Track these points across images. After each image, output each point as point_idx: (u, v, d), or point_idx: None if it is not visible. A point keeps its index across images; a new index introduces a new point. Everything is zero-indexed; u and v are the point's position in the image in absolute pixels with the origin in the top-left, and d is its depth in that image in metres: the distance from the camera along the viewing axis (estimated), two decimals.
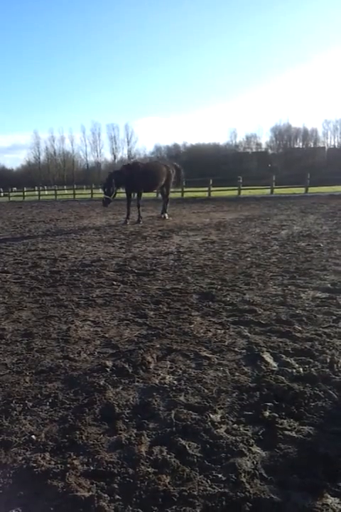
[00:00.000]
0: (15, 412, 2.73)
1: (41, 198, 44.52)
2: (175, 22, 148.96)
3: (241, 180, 31.86)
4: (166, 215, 15.86)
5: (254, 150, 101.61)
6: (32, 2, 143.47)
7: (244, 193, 31.44)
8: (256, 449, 2.26)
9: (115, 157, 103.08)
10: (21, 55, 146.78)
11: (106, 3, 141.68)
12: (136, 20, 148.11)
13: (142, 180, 14.56)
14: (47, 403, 2.84)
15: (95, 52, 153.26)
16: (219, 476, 2.07)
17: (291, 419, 2.52)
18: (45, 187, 64.33)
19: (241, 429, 2.45)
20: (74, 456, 2.24)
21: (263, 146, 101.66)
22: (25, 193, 47.75)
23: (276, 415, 2.56)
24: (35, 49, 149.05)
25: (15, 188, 57.95)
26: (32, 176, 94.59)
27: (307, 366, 3.22)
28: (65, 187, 61.53)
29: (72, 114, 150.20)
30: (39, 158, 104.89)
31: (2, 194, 54.19)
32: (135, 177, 14.41)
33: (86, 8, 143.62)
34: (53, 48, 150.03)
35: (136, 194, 15.38)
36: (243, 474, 2.06)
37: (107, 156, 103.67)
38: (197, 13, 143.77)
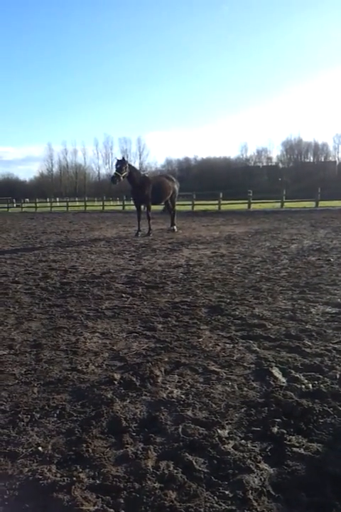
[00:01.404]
0: (22, 423, 2.73)
1: (53, 209, 44.91)
2: (188, 37, 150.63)
3: (251, 194, 31.88)
4: (175, 227, 16.06)
5: (265, 164, 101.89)
6: (45, 15, 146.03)
7: (254, 206, 31.45)
8: (263, 465, 2.24)
9: None
10: (36, 68, 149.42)
11: (119, 17, 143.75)
12: (150, 35, 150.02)
13: (152, 194, 14.76)
14: (55, 415, 2.83)
15: (109, 65, 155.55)
16: (226, 492, 2.04)
17: (300, 436, 2.49)
18: (57, 199, 64.88)
19: (248, 445, 2.43)
20: (81, 470, 2.23)
21: (274, 160, 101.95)
22: (38, 205, 48.30)
23: (285, 431, 2.53)
24: (49, 61, 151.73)
25: (27, 199, 58.56)
26: (44, 187, 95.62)
27: (316, 382, 3.18)
28: (77, 199, 62.03)
29: (85, 128, 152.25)
30: (52, 170, 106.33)
31: (15, 205, 54.73)
32: (145, 190, 14.59)
33: (100, 21, 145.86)
34: (67, 60, 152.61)
35: (145, 207, 15.45)
36: (250, 491, 2.03)
37: None
38: (209, 27, 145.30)
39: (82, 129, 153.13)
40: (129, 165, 14.59)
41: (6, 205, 51.65)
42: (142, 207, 15.52)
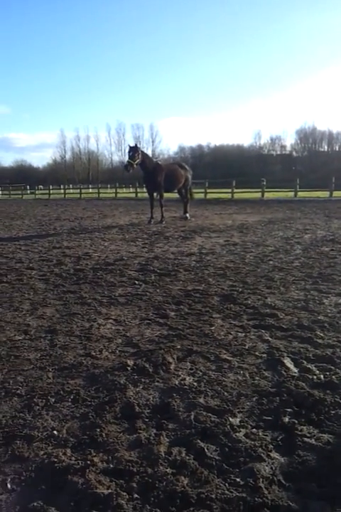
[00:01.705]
0: (37, 407, 2.78)
1: (66, 196, 45.10)
2: (202, 24, 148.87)
3: (264, 183, 31.63)
4: (188, 215, 16.04)
5: (279, 152, 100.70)
6: (57, 2, 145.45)
7: (268, 195, 31.22)
8: (274, 454, 2.26)
9: None
10: (48, 55, 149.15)
11: (132, 3, 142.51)
12: (164, 22, 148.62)
13: (164, 181, 14.75)
14: (69, 400, 2.89)
15: (122, 51, 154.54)
16: (237, 480, 2.07)
17: (311, 426, 2.51)
18: (71, 185, 65.12)
19: (260, 433, 2.45)
20: (95, 454, 2.28)
21: (288, 148, 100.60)
22: (51, 191, 48.50)
23: (296, 421, 2.55)
24: (62, 48, 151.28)
25: (41, 186, 58.83)
26: (58, 174, 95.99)
27: (328, 373, 3.19)
28: (90, 186, 62.15)
29: (97, 114, 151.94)
30: (65, 156, 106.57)
31: (29, 192, 55.06)
32: (158, 177, 14.58)
33: (112, 7, 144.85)
34: (80, 47, 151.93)
35: (158, 194, 15.41)
36: (261, 479, 2.06)
37: None
38: (223, 16, 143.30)
39: (95, 115, 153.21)
40: (142, 152, 14.48)
41: (20, 192, 51.99)
42: (155, 194, 15.48)
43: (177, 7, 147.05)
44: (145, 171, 14.63)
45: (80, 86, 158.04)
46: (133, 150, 14.11)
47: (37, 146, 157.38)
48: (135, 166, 14.06)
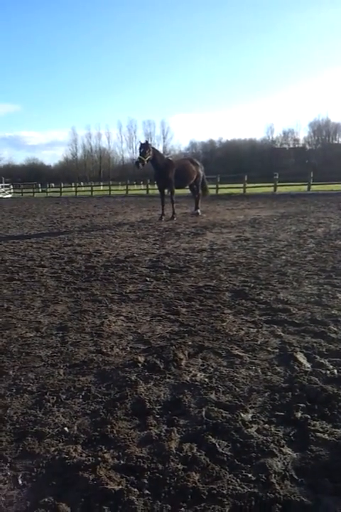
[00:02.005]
0: (49, 404, 2.79)
1: (78, 194, 45.31)
2: (214, 20, 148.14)
3: (277, 177, 31.40)
4: (199, 211, 15.90)
5: (291, 146, 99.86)
6: (68, 0, 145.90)
7: (280, 189, 31.00)
8: (287, 450, 2.23)
9: None
10: (59, 53, 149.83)
11: (142, 3, 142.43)
12: (174, 18, 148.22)
13: (175, 177, 14.62)
14: (80, 396, 2.89)
15: (133, 48, 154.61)
16: (249, 475, 2.05)
17: (324, 422, 2.47)
18: (82, 183, 65.43)
19: (272, 429, 2.42)
20: (105, 450, 2.28)
21: (301, 141, 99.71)
22: (63, 189, 48.73)
23: (308, 417, 2.52)
24: (73, 46, 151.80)
25: (52, 184, 59.22)
26: (69, 172, 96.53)
27: None
28: (101, 183, 62.38)
29: (109, 111, 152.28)
30: (76, 154, 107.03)
31: (40, 190, 55.45)
32: (169, 173, 14.48)
33: (122, 3, 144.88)
34: (92, 44, 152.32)
35: (169, 191, 15.29)
36: (273, 475, 2.04)
37: None
38: (234, 10, 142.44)
39: (106, 112, 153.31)
40: (153, 148, 14.39)
41: (31, 190, 52.37)
42: (166, 191, 15.45)
43: (186, 3, 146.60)
44: (156, 168, 14.57)
45: (91, 84, 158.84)
46: (144, 146, 14.02)
47: (48, 144, 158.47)
48: (146, 162, 13.94)
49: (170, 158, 16.03)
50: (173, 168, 14.71)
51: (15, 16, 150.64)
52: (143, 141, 14.36)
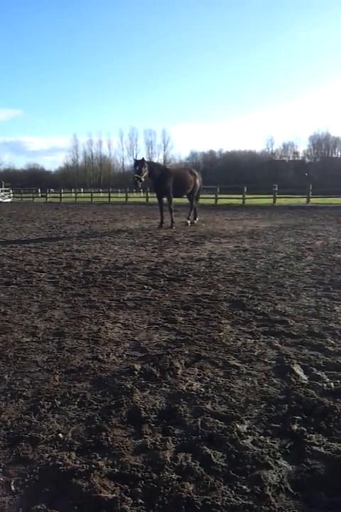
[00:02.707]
0: (43, 410, 2.77)
1: (77, 200, 45.35)
2: (215, 32, 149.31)
3: (276, 189, 31.49)
4: (191, 220, 15.85)
5: (291, 158, 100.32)
6: (71, 6, 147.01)
7: (279, 201, 31.10)
8: (282, 462, 2.22)
9: None
10: (62, 59, 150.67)
11: (144, 8, 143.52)
12: (176, 27, 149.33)
13: (173, 186, 14.48)
14: (75, 403, 2.87)
15: (134, 56, 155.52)
16: (244, 487, 2.03)
17: (320, 435, 2.46)
18: (82, 189, 65.53)
19: (267, 441, 2.41)
20: (100, 457, 2.26)
21: (301, 154, 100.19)
22: (62, 195, 48.78)
23: (305, 429, 2.50)
24: (76, 53, 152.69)
25: (52, 190, 59.29)
26: (69, 178, 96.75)
27: (338, 381, 3.13)
28: (101, 190, 62.48)
29: (110, 119, 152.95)
30: (77, 161, 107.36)
31: (40, 195, 55.49)
32: (167, 182, 14.37)
33: (125, 11, 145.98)
34: (94, 52, 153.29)
35: (167, 199, 15.17)
36: (268, 487, 2.02)
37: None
38: (237, 24, 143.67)
39: (108, 120, 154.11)
40: (148, 162, 14.25)
41: (31, 195, 52.40)
42: (164, 199, 15.43)
43: (189, 13, 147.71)
44: (154, 178, 14.48)
45: (93, 91, 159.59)
46: (140, 164, 13.78)
47: (49, 150, 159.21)
48: (143, 179, 13.73)
49: (168, 167, 15.99)
50: (171, 177, 14.55)
51: (17, 21, 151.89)
52: (138, 159, 14.15)
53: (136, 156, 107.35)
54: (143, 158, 14.17)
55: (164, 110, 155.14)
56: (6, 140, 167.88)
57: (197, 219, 16.06)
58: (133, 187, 14.56)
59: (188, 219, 15.84)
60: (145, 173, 13.73)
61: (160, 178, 14.33)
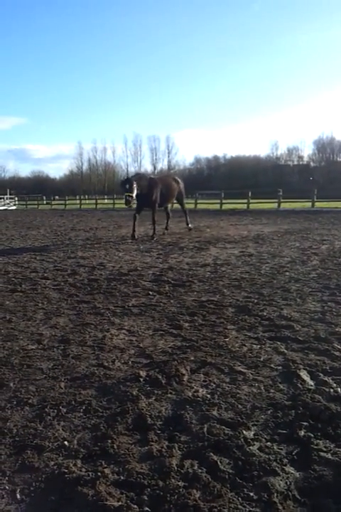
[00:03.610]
0: (49, 417, 2.77)
1: (82, 206, 45.47)
2: (219, 37, 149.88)
3: (281, 193, 31.43)
4: (190, 226, 15.85)
5: (296, 163, 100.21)
6: (75, 14, 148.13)
7: (284, 206, 31.03)
8: (289, 469, 2.20)
9: (155, 168, 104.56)
10: (66, 67, 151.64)
11: (149, 15, 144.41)
12: (180, 34, 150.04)
13: (160, 195, 14.00)
14: (81, 410, 2.86)
15: (138, 63, 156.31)
16: (251, 494, 2.02)
17: (327, 441, 2.44)
18: (86, 196, 65.72)
19: (274, 447, 2.39)
20: (105, 465, 2.25)
21: (305, 159, 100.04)
22: (67, 202, 48.94)
23: (312, 435, 2.48)
24: (80, 61, 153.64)
25: (57, 197, 59.55)
26: (74, 185, 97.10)
27: None
28: (106, 196, 62.62)
29: (114, 126, 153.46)
30: (81, 168, 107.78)
31: (45, 202, 55.72)
32: (153, 194, 13.75)
33: (129, 18, 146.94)
34: (98, 59, 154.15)
35: (152, 209, 14.21)
36: (275, 494, 2.00)
37: (147, 167, 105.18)
38: (241, 26, 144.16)
39: (112, 127, 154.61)
40: (136, 179, 13.47)
41: (36, 202, 52.62)
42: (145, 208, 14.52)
43: (193, 18, 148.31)
44: (142, 190, 13.48)
45: (98, 98, 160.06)
46: (129, 182, 13.21)
47: (54, 157, 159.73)
48: (134, 196, 13.16)
49: (153, 176, 15.25)
50: (158, 187, 13.98)
51: (21, 29, 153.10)
52: (124, 179, 13.72)
53: (140, 162, 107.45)
54: (128, 178, 13.80)
55: (168, 116, 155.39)
56: (11, 148, 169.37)
57: (190, 225, 15.95)
58: (126, 205, 13.86)
59: (188, 225, 15.81)
60: (136, 191, 13.16)
61: (147, 192, 13.63)
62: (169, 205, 15.61)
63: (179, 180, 15.82)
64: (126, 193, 13.17)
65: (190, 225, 15.82)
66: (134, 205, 13.90)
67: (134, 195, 13.11)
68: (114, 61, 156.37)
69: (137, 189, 13.16)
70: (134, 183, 13.13)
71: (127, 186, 13.09)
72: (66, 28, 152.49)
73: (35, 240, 13.88)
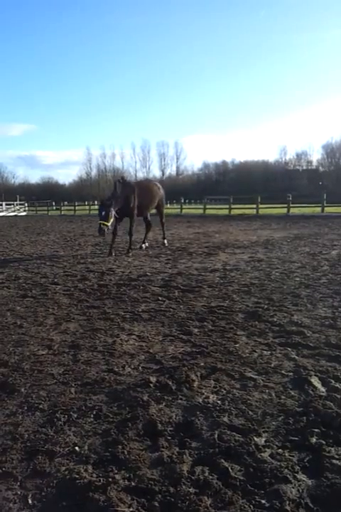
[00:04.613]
0: (60, 423, 2.77)
1: (91, 212, 45.62)
2: (226, 41, 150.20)
3: (290, 198, 31.30)
4: (166, 242, 13.42)
5: (304, 167, 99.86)
6: (83, 21, 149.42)
7: (294, 211, 30.89)
8: (301, 476, 2.18)
9: (163, 173, 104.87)
10: (75, 74, 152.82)
11: (157, 20, 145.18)
12: (188, 39, 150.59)
13: (138, 202, 11.91)
14: (91, 415, 2.87)
15: (147, 69, 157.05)
16: (263, 502, 2.00)
17: (339, 448, 2.41)
18: (95, 202, 65.94)
19: (286, 454, 2.37)
20: (116, 471, 2.25)
21: (314, 163, 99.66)
22: (76, 207, 49.11)
23: (323, 442, 2.46)
24: (89, 67, 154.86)
25: (66, 202, 59.81)
26: (83, 191, 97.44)
27: None
28: None
29: (123, 132, 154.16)
30: (90, 173, 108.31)
31: (54, 208, 56.04)
32: (130, 203, 11.63)
33: (138, 24, 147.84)
34: (105, 66, 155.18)
35: (130, 219, 12.06)
36: (287, 502, 1.99)
37: (156, 173, 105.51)
38: (248, 31, 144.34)
39: (120, 133, 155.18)
40: (112, 197, 11.23)
41: (46, 208, 52.94)
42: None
43: (201, 23, 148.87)
44: (117, 200, 11.33)
45: (106, 104, 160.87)
46: (105, 207, 11.11)
47: (63, 163, 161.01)
48: (110, 226, 11.17)
49: (130, 181, 13.26)
50: (135, 193, 11.78)
51: (31, 36, 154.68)
52: (102, 202, 11.63)
53: (149, 168, 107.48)
54: (102, 202, 11.53)
55: (176, 121, 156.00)
56: (21, 154, 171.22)
57: (166, 240, 13.59)
58: (99, 234, 11.54)
59: (164, 240, 13.44)
60: (113, 218, 11.21)
61: (124, 196, 11.54)
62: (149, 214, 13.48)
63: (160, 185, 13.93)
64: (100, 221, 11.10)
65: (165, 241, 13.32)
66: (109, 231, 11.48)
67: (110, 224, 11.11)
68: (122, 67, 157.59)
69: (115, 211, 11.20)
70: (111, 209, 11.01)
71: (103, 213, 11.05)
72: (74, 34, 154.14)
73: (45, 246, 13.96)
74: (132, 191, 11.74)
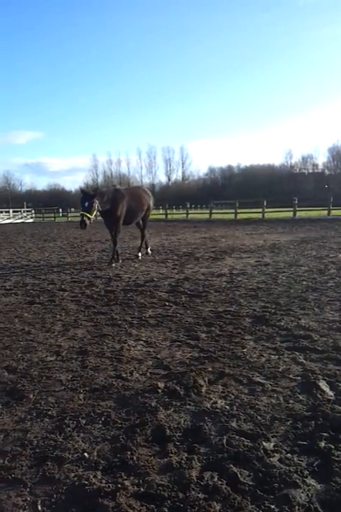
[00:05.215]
0: (68, 429, 2.78)
1: (98, 218, 45.77)
2: (231, 45, 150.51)
3: (296, 202, 31.24)
4: (150, 251, 12.73)
5: (310, 171, 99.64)
6: (87, 29, 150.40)
7: (300, 214, 30.84)
8: (310, 481, 2.18)
9: (169, 179, 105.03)
10: (82, 81, 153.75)
11: (163, 25, 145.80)
12: (194, 44, 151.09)
13: (126, 210, 11.21)
14: (100, 421, 2.87)
15: (152, 74, 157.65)
16: (272, 507, 2.00)
17: None
18: None
19: (295, 459, 2.37)
20: (125, 477, 2.25)
21: (320, 166, 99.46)
22: None
23: (332, 446, 2.45)
24: (94, 74, 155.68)
25: (73, 209, 59.99)
26: None
27: None
28: None
29: (129, 138, 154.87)
30: (97, 180, 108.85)
31: (61, 214, 56.26)
32: (117, 210, 10.93)
33: (144, 29, 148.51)
34: (110, 72, 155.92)
35: (115, 228, 11.24)
36: (297, 507, 1.98)
37: (162, 178, 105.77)
38: (254, 37, 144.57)
39: (126, 139, 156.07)
40: (97, 197, 10.34)
41: (52, 215, 53.18)
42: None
43: (206, 29, 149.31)
44: (104, 206, 10.68)
45: (112, 111, 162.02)
46: (88, 199, 10.19)
47: (69, 170, 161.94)
48: (93, 218, 10.37)
49: (118, 187, 12.15)
50: (123, 200, 11.10)
51: (37, 44, 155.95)
52: (84, 191, 10.67)
53: (155, 173, 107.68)
54: (86, 193, 10.51)
55: (182, 127, 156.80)
56: (28, 162, 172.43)
57: (149, 249, 12.89)
58: (80, 227, 10.24)
59: (139, 252, 12.31)
60: (97, 210, 10.42)
61: (111, 203, 10.83)
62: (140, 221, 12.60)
63: (149, 192, 13.10)
64: (83, 211, 10.23)
65: (139, 254, 12.09)
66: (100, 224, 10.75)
67: (93, 217, 10.33)
68: (127, 73, 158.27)
69: (100, 206, 10.46)
70: (95, 202, 10.22)
71: (86, 204, 10.17)
72: (79, 41, 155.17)
73: (52, 252, 14.02)
74: (121, 198, 11.10)
